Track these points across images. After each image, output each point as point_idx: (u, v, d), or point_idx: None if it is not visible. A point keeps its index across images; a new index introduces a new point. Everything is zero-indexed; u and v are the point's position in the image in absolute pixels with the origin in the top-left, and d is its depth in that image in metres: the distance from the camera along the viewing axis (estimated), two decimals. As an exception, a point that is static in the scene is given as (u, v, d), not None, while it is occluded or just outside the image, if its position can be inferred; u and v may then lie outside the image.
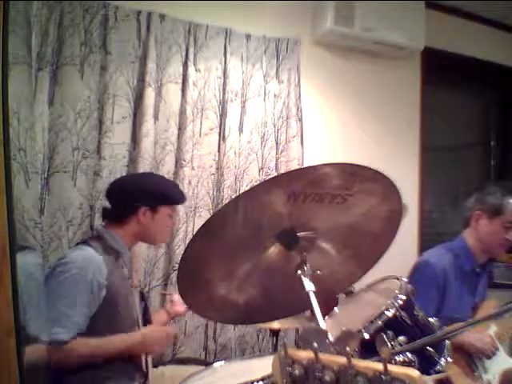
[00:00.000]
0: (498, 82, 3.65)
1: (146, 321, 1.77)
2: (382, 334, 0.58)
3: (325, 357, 0.61)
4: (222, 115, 2.48)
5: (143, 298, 1.86)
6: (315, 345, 0.61)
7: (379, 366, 0.56)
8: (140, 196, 1.71)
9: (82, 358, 1.48)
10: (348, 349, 0.59)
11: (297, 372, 0.63)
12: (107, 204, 1.76)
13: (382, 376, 0.55)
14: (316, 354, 0.61)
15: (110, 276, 1.57)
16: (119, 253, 1.67)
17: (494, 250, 2.00)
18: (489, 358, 1.80)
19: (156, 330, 1.75)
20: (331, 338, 0.75)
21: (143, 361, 1.65)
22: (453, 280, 1.93)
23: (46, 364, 1.41)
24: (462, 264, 1.97)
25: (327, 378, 0.60)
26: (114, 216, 1.73)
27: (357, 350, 0.92)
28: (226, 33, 2.49)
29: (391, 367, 0.55)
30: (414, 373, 0.55)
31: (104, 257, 1.59)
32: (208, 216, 2.34)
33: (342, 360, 0.59)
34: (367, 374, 0.57)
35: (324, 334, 0.70)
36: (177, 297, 1.91)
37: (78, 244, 1.73)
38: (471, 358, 1.80)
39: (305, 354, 0.63)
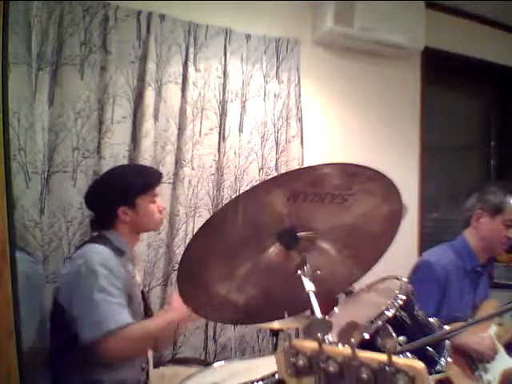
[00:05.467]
0: (498, 81, 3.65)
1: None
2: (388, 325, 0.57)
3: (329, 348, 0.61)
4: (222, 115, 2.48)
5: (143, 297, 1.86)
6: (319, 335, 0.61)
7: (384, 358, 0.55)
8: (109, 199, 1.67)
9: (139, 339, 1.49)
10: (352, 340, 0.59)
11: (301, 362, 0.62)
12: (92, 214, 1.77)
13: (387, 367, 0.55)
14: (320, 345, 0.61)
15: (119, 273, 1.57)
16: (123, 252, 1.67)
17: (495, 249, 2.02)
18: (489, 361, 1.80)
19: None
20: (330, 338, 0.75)
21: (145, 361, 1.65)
22: (454, 279, 1.93)
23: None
24: (463, 263, 1.98)
25: (331, 368, 0.59)
26: (100, 225, 1.71)
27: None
28: (226, 33, 2.49)
29: (396, 359, 0.55)
30: (419, 364, 0.54)
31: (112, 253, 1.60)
32: (208, 216, 2.34)
33: (347, 351, 0.58)
34: (371, 365, 0.56)
35: (329, 325, 0.69)
36: (175, 297, 1.91)
37: (84, 243, 1.69)
38: (471, 358, 1.79)
39: (309, 345, 0.62)
